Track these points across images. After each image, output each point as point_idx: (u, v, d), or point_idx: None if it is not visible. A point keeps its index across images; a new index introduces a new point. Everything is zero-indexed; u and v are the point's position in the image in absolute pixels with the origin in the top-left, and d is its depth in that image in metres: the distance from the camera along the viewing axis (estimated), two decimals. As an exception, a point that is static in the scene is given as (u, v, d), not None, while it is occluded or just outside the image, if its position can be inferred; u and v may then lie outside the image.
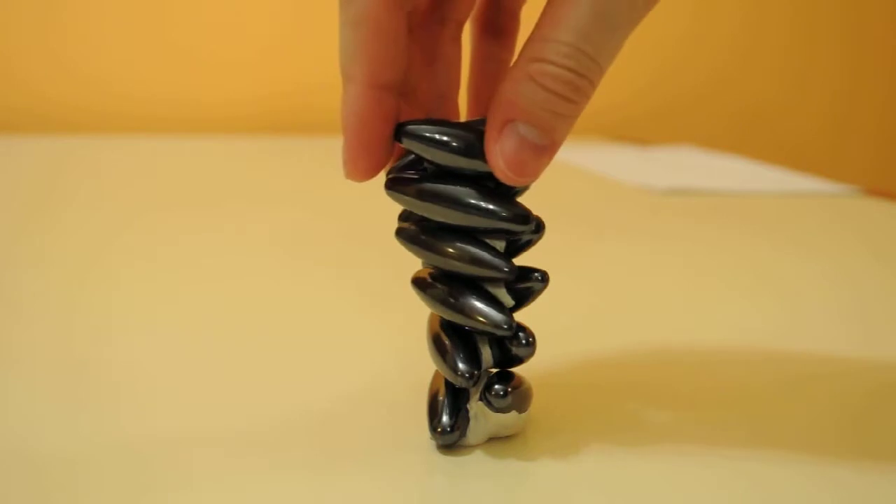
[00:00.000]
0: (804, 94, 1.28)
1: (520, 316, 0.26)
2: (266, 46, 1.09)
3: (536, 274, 0.26)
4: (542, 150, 0.24)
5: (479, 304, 0.25)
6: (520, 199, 0.26)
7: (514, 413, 0.26)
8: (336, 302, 0.41)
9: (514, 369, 0.26)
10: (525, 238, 0.26)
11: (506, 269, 0.25)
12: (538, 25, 0.23)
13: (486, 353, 0.26)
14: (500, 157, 0.23)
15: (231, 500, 0.23)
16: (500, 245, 0.25)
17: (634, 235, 0.58)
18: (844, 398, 0.31)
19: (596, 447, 0.26)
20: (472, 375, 0.25)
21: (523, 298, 0.26)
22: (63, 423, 0.27)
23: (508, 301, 0.26)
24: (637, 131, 1.17)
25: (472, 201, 0.25)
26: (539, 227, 0.26)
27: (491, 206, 0.24)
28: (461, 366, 0.25)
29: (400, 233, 0.26)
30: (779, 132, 1.27)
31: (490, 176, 0.24)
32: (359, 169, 0.26)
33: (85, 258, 0.48)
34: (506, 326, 0.25)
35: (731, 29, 1.23)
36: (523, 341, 0.25)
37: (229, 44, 1.09)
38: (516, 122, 0.23)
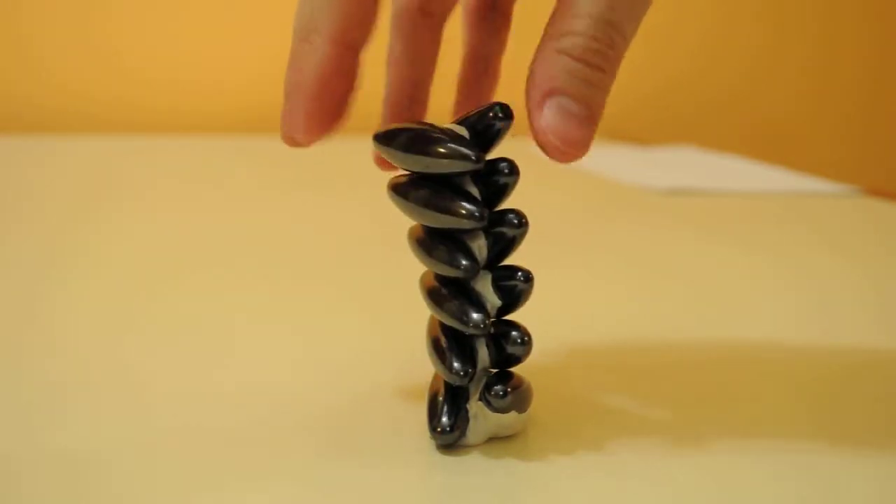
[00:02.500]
0: (805, 93, 1.28)
1: (517, 315, 0.26)
2: (263, 47, 1.09)
3: (520, 273, 0.25)
4: (584, 120, 0.23)
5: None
6: (516, 197, 0.26)
7: (513, 413, 0.26)
8: (336, 302, 0.41)
9: (514, 369, 0.26)
10: (509, 234, 0.25)
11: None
12: (559, 3, 0.24)
13: (483, 353, 0.26)
14: (547, 133, 0.23)
15: (231, 500, 0.23)
16: (483, 244, 0.25)
17: (634, 236, 0.58)
18: (843, 396, 0.31)
19: (596, 447, 0.26)
20: (466, 373, 0.25)
21: (511, 298, 0.26)
22: (58, 423, 0.27)
23: (495, 301, 0.25)
24: (644, 138, 1.16)
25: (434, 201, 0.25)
26: (521, 223, 0.25)
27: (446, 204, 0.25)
28: (456, 364, 0.25)
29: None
30: (781, 133, 1.26)
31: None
32: (311, 130, 0.25)
33: (81, 258, 0.47)
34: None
35: (740, 41, 1.23)
36: (518, 340, 0.25)
37: (227, 43, 1.09)
38: (555, 97, 0.23)
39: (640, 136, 1.14)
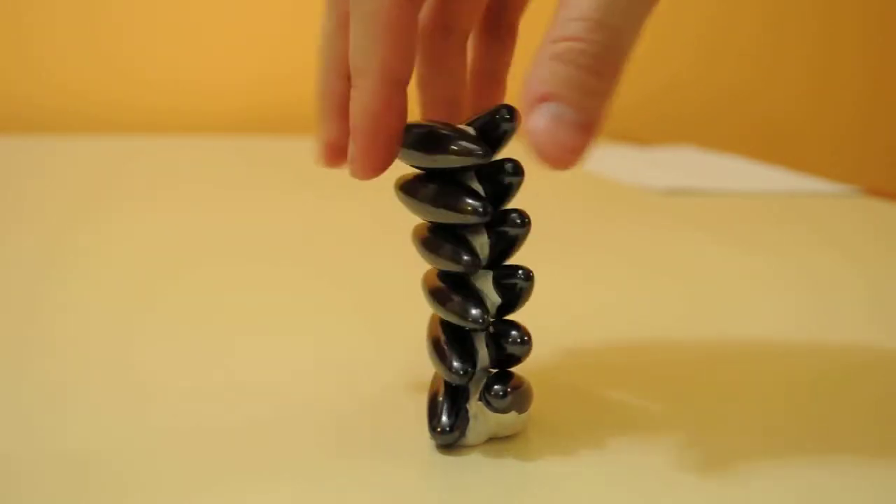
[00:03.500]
0: (805, 93, 1.28)
1: (518, 315, 0.26)
2: (264, 48, 1.09)
3: (521, 272, 0.26)
4: (581, 127, 0.22)
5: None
6: (517, 196, 0.26)
7: (513, 413, 0.26)
8: (336, 301, 0.41)
9: (514, 369, 0.26)
10: (511, 233, 0.25)
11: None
12: (557, 8, 0.23)
13: (483, 352, 0.26)
14: (537, 138, 0.22)
15: (231, 500, 0.23)
16: (486, 242, 0.25)
17: (634, 236, 0.58)
18: (842, 395, 0.31)
19: (596, 447, 0.26)
20: (466, 372, 0.25)
21: (511, 296, 0.26)
22: (58, 423, 0.27)
23: (495, 298, 0.26)
24: (644, 138, 1.16)
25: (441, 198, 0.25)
26: (524, 222, 0.25)
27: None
28: (456, 363, 0.25)
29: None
30: (781, 133, 1.26)
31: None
32: (368, 168, 0.26)
33: (81, 258, 0.48)
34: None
35: (740, 41, 1.23)
36: (518, 339, 0.25)
37: (227, 43, 1.09)
38: (547, 102, 0.22)
39: (640, 136, 1.14)
